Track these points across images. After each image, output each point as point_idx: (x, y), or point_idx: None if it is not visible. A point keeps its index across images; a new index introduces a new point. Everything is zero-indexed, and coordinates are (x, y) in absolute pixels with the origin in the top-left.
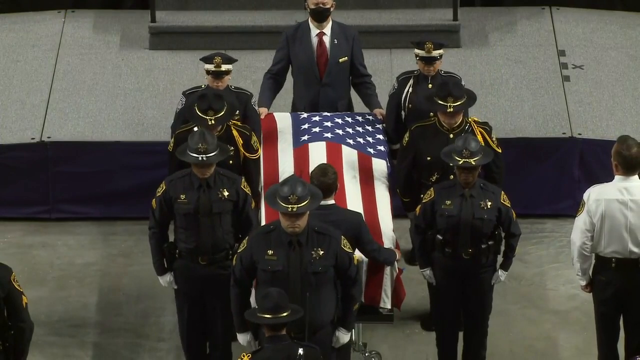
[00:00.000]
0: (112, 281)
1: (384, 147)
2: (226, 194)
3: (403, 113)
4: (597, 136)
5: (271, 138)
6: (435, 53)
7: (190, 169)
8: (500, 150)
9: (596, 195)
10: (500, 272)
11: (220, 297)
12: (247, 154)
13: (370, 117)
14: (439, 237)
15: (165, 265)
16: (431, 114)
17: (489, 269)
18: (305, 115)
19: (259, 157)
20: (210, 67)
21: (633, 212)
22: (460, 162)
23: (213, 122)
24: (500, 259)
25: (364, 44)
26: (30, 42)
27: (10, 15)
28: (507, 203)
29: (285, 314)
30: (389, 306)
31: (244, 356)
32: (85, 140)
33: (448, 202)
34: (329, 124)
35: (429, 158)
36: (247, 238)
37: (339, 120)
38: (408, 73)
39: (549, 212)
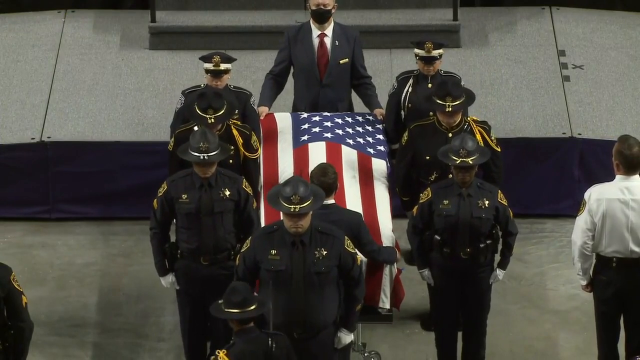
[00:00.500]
0: (112, 281)
1: (384, 147)
2: (227, 193)
3: (403, 113)
4: (597, 136)
5: (271, 138)
6: (435, 53)
7: (192, 168)
8: (499, 150)
9: (597, 195)
10: (498, 271)
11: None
12: (247, 154)
13: (370, 117)
14: (437, 237)
15: (167, 266)
16: (430, 113)
17: (487, 268)
18: (305, 115)
19: (259, 156)
20: (209, 66)
21: (634, 212)
22: (457, 162)
23: (213, 120)
24: (498, 258)
25: (364, 44)
26: (30, 42)
27: (10, 15)
28: (504, 202)
29: (252, 308)
30: (388, 306)
31: (219, 353)
32: (85, 140)
33: (446, 202)
34: (328, 124)
35: (427, 157)
36: (250, 238)
37: (339, 120)
38: (408, 73)
39: (549, 212)
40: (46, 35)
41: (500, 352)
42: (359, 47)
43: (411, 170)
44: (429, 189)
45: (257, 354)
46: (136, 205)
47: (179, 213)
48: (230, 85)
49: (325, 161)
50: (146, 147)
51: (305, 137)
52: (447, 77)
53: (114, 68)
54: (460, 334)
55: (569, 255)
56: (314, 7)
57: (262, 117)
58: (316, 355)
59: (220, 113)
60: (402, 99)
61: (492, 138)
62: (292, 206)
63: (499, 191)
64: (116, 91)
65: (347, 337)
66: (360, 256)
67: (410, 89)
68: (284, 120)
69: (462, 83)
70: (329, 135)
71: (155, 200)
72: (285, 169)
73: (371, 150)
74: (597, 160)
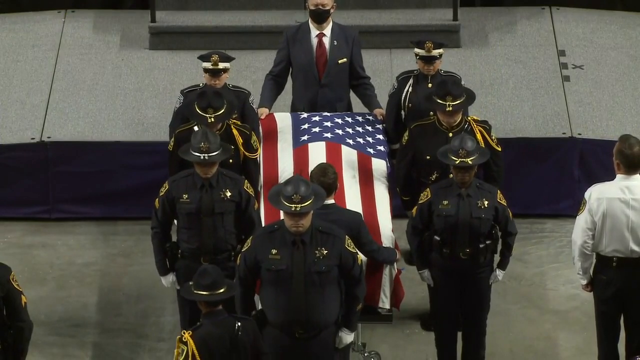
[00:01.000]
0: (112, 281)
1: (384, 147)
2: (229, 194)
3: (403, 113)
4: (597, 136)
5: (271, 138)
6: (435, 52)
7: (193, 169)
8: (499, 149)
9: (598, 194)
10: (497, 271)
11: None
12: (246, 154)
13: (370, 117)
14: (437, 237)
15: (168, 266)
16: (430, 113)
17: (486, 268)
18: (305, 115)
19: (258, 156)
20: (208, 65)
21: (634, 211)
22: (456, 162)
23: (212, 119)
24: (497, 258)
25: (364, 44)
26: (30, 42)
27: (10, 15)
28: (504, 202)
29: (221, 291)
30: (387, 306)
31: (184, 333)
32: (85, 140)
33: (445, 202)
34: (328, 124)
35: (428, 157)
36: (251, 237)
37: (339, 120)
38: (408, 73)
39: (549, 212)
40: (46, 35)
41: (500, 352)
42: (358, 48)
43: (412, 170)
44: (428, 189)
45: (222, 337)
46: (136, 205)
47: (180, 213)
48: (228, 85)
49: (325, 161)
50: (146, 147)
51: (305, 137)
52: (447, 77)
53: (114, 68)
54: (460, 334)
55: (569, 255)
56: (312, 7)
57: (262, 118)
58: (317, 355)
59: (220, 112)
60: (403, 98)
61: (493, 138)
62: (293, 205)
63: (498, 191)
64: (116, 91)
65: (348, 337)
66: (360, 256)
67: (410, 89)
68: (283, 120)
69: (462, 83)
70: (329, 135)
71: (157, 200)
72: (285, 168)
73: (371, 150)
74: (597, 160)
